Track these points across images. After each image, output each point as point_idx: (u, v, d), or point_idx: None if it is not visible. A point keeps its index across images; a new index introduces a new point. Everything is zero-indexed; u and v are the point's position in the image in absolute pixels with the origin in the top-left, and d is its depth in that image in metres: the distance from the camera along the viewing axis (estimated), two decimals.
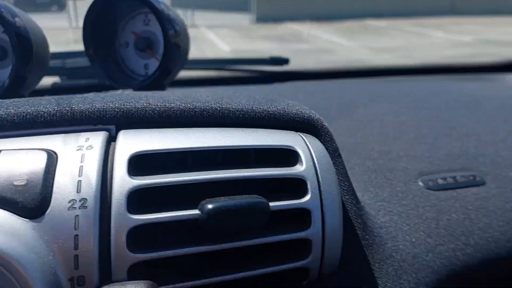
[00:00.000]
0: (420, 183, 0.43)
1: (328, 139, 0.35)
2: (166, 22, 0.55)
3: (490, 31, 8.35)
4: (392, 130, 0.52)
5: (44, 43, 0.53)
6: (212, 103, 0.33)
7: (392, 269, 0.33)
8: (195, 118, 0.32)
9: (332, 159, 0.34)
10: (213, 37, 8.33)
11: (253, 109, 0.33)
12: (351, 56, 6.47)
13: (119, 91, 0.59)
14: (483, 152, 0.48)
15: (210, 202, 0.26)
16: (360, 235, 0.33)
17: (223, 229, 0.26)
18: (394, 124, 0.54)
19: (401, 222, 0.38)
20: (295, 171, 0.30)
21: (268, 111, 0.33)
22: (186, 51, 0.61)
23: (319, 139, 0.34)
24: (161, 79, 0.58)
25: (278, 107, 0.34)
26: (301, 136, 0.32)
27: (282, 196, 0.29)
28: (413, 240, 0.37)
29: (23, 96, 0.54)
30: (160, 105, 0.31)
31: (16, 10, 0.49)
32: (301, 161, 0.30)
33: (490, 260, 0.38)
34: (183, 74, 0.90)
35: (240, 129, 0.32)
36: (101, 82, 0.63)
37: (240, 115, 0.32)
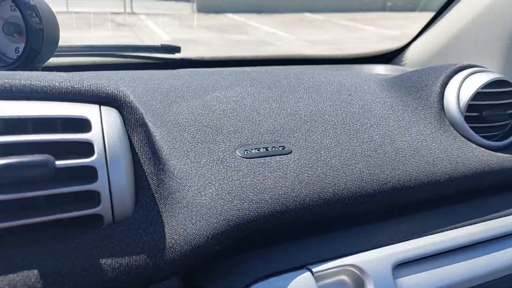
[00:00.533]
0: (238, 152, 0.52)
1: (130, 111, 0.42)
2: (26, 9, 0.60)
3: (417, 26, 8.86)
4: (230, 110, 0.60)
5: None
6: (26, 80, 0.39)
7: (182, 215, 0.41)
8: (5, 92, 0.37)
9: (132, 128, 0.41)
10: (152, 26, 8.17)
11: (59, 86, 0.39)
12: (288, 48, 6.63)
13: None
14: (298, 127, 0.58)
15: (1, 159, 0.32)
16: (154, 188, 0.41)
17: (13, 181, 0.32)
18: (235, 104, 0.62)
19: (208, 182, 0.46)
20: (83, 136, 0.37)
21: (74, 87, 0.40)
22: (52, 35, 0.66)
23: (120, 112, 0.41)
24: (30, 61, 0.63)
25: (84, 84, 0.40)
26: (100, 109, 0.39)
27: (78, 158, 0.36)
28: (214, 196, 0.45)
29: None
30: None
31: None
32: (91, 129, 0.37)
33: (279, 213, 0.47)
34: (78, 60, 0.94)
35: (48, 102, 0.38)
36: None
37: (47, 90, 0.39)
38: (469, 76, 0.65)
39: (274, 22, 9.20)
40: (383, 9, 11.55)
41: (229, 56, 1.07)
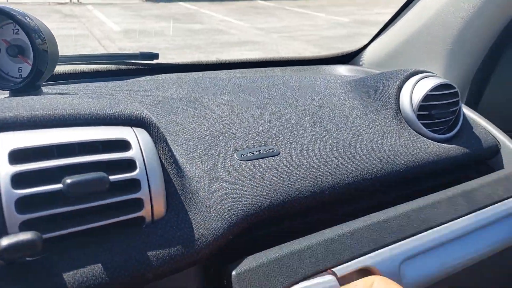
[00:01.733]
0: (236, 156, 0.61)
1: (155, 130, 0.50)
2: (32, 32, 0.66)
3: (365, 12, 9.19)
4: (222, 118, 0.69)
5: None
6: (67, 109, 0.46)
7: (203, 212, 0.51)
8: (55, 121, 0.45)
9: (158, 145, 0.50)
10: (101, 16, 7.95)
11: (98, 113, 0.47)
12: (242, 36, 6.69)
13: None
14: (283, 131, 0.68)
15: (68, 178, 0.40)
16: (180, 192, 0.50)
17: (79, 195, 0.41)
18: (226, 112, 0.71)
19: (217, 183, 0.56)
20: (127, 155, 0.45)
21: (110, 113, 0.48)
22: (54, 54, 0.72)
23: (148, 131, 0.49)
24: (35, 81, 0.69)
25: (117, 110, 0.49)
26: (133, 130, 0.48)
27: (123, 172, 0.44)
28: (224, 194, 0.55)
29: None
30: (27, 113, 0.44)
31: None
32: (132, 148, 0.46)
33: (276, 205, 0.57)
34: (61, 69, 0.99)
35: (88, 127, 0.46)
36: None
37: (88, 117, 0.47)
38: (420, 80, 0.78)
39: (226, 10, 9.21)
40: None
41: (203, 61, 1.15)
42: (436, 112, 0.76)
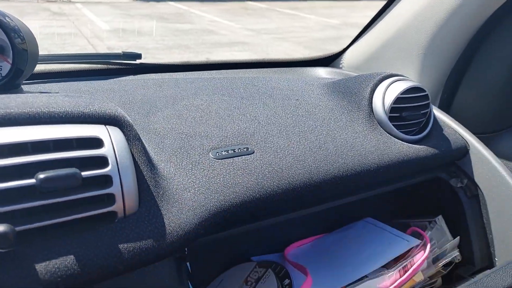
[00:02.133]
0: (211, 155, 0.63)
1: (128, 128, 0.52)
2: (11, 32, 0.67)
3: (355, 15, 9.26)
4: (199, 117, 0.71)
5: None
6: (42, 107, 0.48)
7: (175, 208, 0.52)
8: (30, 119, 0.47)
9: (131, 142, 0.52)
10: (90, 15, 7.90)
11: (72, 111, 0.49)
12: (233, 37, 6.71)
13: None
14: (258, 131, 0.70)
15: (41, 173, 0.42)
16: (152, 188, 0.52)
17: (52, 190, 0.42)
18: (203, 112, 0.73)
19: (191, 181, 0.58)
20: (99, 152, 0.47)
21: (84, 112, 0.49)
22: (34, 53, 0.73)
23: (121, 129, 0.51)
24: (15, 79, 0.70)
25: (91, 109, 0.50)
26: (106, 128, 0.50)
27: (96, 169, 0.46)
28: (197, 191, 0.57)
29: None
30: (2, 111, 0.46)
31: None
32: (104, 145, 0.48)
33: (248, 202, 0.60)
34: (43, 68, 1.00)
35: (62, 125, 0.48)
36: None
37: (63, 116, 0.48)
38: (392, 84, 0.81)
39: (217, 11, 9.22)
40: None
41: (186, 62, 1.17)
42: (407, 114, 0.79)
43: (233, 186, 0.60)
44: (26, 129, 0.46)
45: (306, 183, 0.65)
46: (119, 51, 1.11)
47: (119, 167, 0.47)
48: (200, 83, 0.88)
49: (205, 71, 1.12)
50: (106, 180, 0.47)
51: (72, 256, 0.43)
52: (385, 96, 0.79)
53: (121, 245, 0.46)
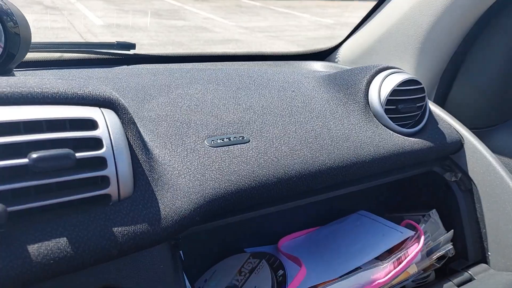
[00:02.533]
0: (206, 142, 0.63)
1: (123, 112, 0.51)
2: (3, 15, 0.66)
3: (349, 14, 9.28)
4: (194, 106, 0.70)
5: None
6: (35, 88, 0.47)
7: (170, 193, 0.52)
8: (22, 99, 0.46)
9: (126, 126, 0.51)
10: (83, 10, 7.83)
11: (66, 92, 0.48)
12: (226, 35, 6.69)
13: None
14: (254, 120, 0.69)
15: (34, 153, 0.41)
16: (147, 172, 0.51)
17: (45, 170, 0.41)
18: (198, 101, 0.72)
19: (186, 167, 0.57)
20: (94, 133, 0.46)
21: (78, 93, 0.48)
22: (26, 38, 0.71)
23: (116, 113, 0.50)
24: (6, 64, 0.68)
25: (86, 90, 0.49)
26: (101, 111, 0.49)
27: (90, 151, 0.45)
28: (192, 177, 0.56)
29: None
30: None
31: None
32: (99, 127, 0.47)
33: (243, 190, 0.59)
34: (36, 55, 0.99)
35: (56, 106, 0.47)
36: None
37: (56, 96, 0.47)
38: (388, 76, 0.80)
39: (211, 8, 9.18)
40: None
41: (181, 53, 1.16)
42: (403, 106, 0.79)
43: (228, 174, 0.59)
44: (19, 108, 0.44)
45: (302, 173, 0.64)
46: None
47: (114, 149, 0.46)
48: (194, 73, 0.87)
49: (199, 63, 1.11)
50: (100, 162, 0.46)
51: (65, 239, 0.42)
52: (381, 89, 0.79)
53: (115, 228, 0.45)
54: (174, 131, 0.63)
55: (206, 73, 0.88)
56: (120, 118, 0.50)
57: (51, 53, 1.03)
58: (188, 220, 0.51)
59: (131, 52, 1.10)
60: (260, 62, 1.15)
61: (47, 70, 0.89)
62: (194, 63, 1.10)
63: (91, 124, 0.47)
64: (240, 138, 0.65)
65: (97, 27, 6.49)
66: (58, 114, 0.45)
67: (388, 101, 0.79)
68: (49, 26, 6.09)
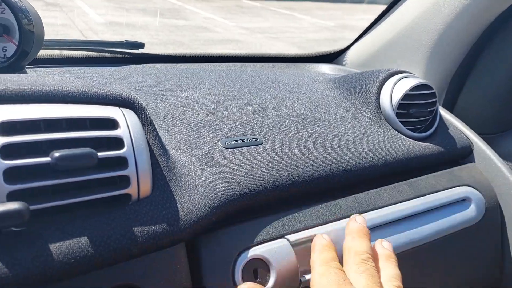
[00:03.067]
0: (220, 144, 0.63)
1: (142, 112, 0.51)
2: (19, 12, 0.65)
3: (350, 17, 9.31)
4: (207, 107, 0.70)
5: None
6: (56, 86, 0.47)
7: (188, 194, 0.51)
8: (43, 97, 0.45)
9: (145, 126, 0.51)
10: (84, 7, 7.81)
11: (86, 91, 0.48)
12: (226, 35, 6.69)
13: None
14: (266, 122, 0.69)
15: (56, 151, 0.41)
16: (166, 173, 0.51)
17: (67, 169, 0.41)
18: (211, 102, 0.72)
19: (201, 168, 0.57)
20: (115, 133, 0.46)
21: (98, 92, 0.48)
22: (40, 36, 0.71)
23: (135, 113, 0.50)
24: (20, 61, 0.68)
25: (105, 90, 0.49)
26: (121, 110, 0.48)
27: (110, 150, 0.45)
28: (208, 178, 0.56)
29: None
30: (15, 87, 0.44)
31: None
32: (119, 127, 0.46)
33: (258, 192, 0.59)
34: (45, 53, 0.98)
35: (75, 105, 0.46)
36: None
37: (76, 95, 0.47)
38: (400, 80, 0.80)
39: (212, 8, 9.18)
40: None
41: (188, 53, 1.16)
42: (414, 111, 0.79)
43: (243, 175, 0.59)
44: (39, 107, 0.44)
45: (315, 175, 0.64)
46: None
47: (135, 149, 0.46)
48: (205, 74, 0.87)
49: (207, 63, 1.11)
50: (121, 162, 0.46)
51: (86, 238, 0.42)
52: (393, 92, 0.79)
53: (135, 228, 0.45)
54: (188, 132, 0.63)
55: (216, 74, 0.88)
56: (139, 118, 0.50)
57: (61, 50, 1.03)
58: (206, 221, 0.51)
59: (139, 51, 1.11)
60: (268, 63, 1.15)
61: (58, 68, 0.89)
62: (201, 64, 1.10)
63: (111, 123, 0.47)
64: (254, 139, 0.65)
65: (97, 24, 6.48)
66: (78, 113, 0.45)
67: (400, 105, 0.79)
68: (49, 22, 6.08)
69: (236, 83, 0.83)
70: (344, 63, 1.16)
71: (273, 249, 0.56)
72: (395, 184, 0.73)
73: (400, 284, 0.53)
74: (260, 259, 0.55)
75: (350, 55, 1.15)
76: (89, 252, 0.41)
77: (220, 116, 0.69)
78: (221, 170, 0.58)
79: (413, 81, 0.79)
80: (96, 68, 0.92)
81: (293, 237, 0.59)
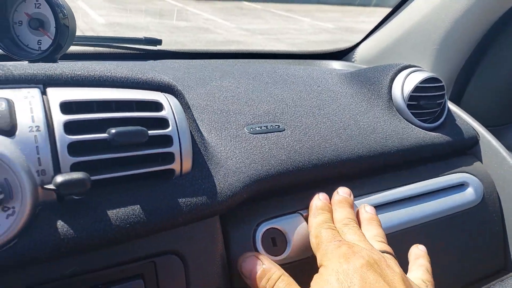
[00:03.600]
0: (246, 130, 0.67)
1: (181, 97, 0.56)
2: (55, 6, 0.70)
3: (350, 20, 9.37)
4: (230, 97, 0.75)
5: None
6: (105, 72, 0.51)
7: (222, 172, 0.56)
8: (94, 82, 0.50)
9: (184, 109, 0.55)
10: (85, 7, 7.85)
11: (132, 77, 0.52)
12: (228, 36, 6.74)
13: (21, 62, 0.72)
14: (287, 111, 0.74)
15: (113, 128, 0.45)
16: (203, 152, 0.55)
17: (122, 144, 0.46)
18: (233, 92, 0.77)
19: (231, 151, 0.61)
20: (161, 114, 0.50)
21: (142, 78, 0.53)
22: (73, 30, 0.76)
23: (175, 97, 0.55)
24: (54, 54, 0.72)
25: (148, 76, 0.54)
26: (164, 95, 0.53)
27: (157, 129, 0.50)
28: (238, 160, 0.60)
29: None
30: (70, 72, 0.49)
31: None
32: (164, 109, 0.51)
33: (282, 173, 0.63)
34: (72, 48, 1.02)
35: (123, 89, 0.51)
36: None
37: (124, 80, 0.51)
38: (411, 73, 0.85)
39: (212, 9, 9.24)
40: (318, 1, 12.01)
41: (204, 49, 1.20)
42: (424, 102, 0.84)
43: (268, 158, 0.63)
44: (91, 90, 0.49)
45: (333, 160, 0.69)
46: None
47: (178, 129, 0.51)
48: (224, 68, 0.92)
49: (221, 60, 1.16)
50: (167, 140, 0.50)
51: (138, 206, 0.46)
52: (404, 85, 0.84)
53: (180, 199, 0.49)
54: (216, 119, 0.67)
55: (235, 68, 0.92)
56: (180, 103, 0.55)
57: (82, 46, 1.07)
58: (238, 196, 0.55)
59: (157, 47, 1.15)
60: (279, 60, 1.19)
61: (83, 62, 0.93)
62: (215, 60, 1.15)
63: (155, 106, 0.51)
64: (276, 126, 0.70)
65: (98, 25, 6.52)
66: (126, 96, 0.49)
67: (411, 97, 0.83)
68: None
69: (255, 76, 0.87)
70: (353, 60, 1.21)
71: (289, 222, 0.63)
72: (397, 171, 0.79)
73: (384, 241, 0.59)
74: (278, 229, 0.62)
75: (359, 52, 1.19)
76: (142, 219, 0.46)
77: (243, 105, 0.73)
78: (249, 153, 0.62)
79: (424, 75, 0.84)
80: (120, 62, 0.96)
81: (306, 212, 0.66)
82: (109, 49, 1.09)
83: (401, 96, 0.83)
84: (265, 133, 0.68)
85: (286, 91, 0.82)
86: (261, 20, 8.49)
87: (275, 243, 0.61)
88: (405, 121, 0.83)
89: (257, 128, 0.68)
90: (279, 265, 0.57)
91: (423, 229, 0.75)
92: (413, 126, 0.82)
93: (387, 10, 1.16)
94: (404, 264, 0.66)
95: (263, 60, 1.20)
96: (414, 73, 0.85)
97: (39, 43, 0.75)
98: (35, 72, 0.46)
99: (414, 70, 0.86)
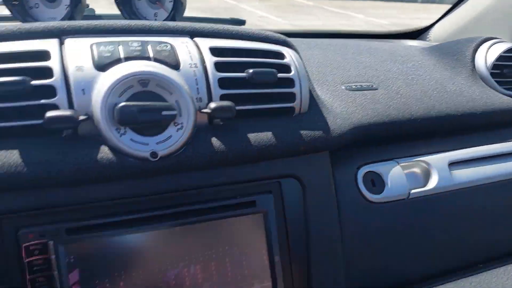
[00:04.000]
0: (343, 87, 0.74)
1: (297, 51, 0.64)
2: None
3: (404, 16, 9.17)
4: (322, 62, 0.82)
5: None
6: (245, 29, 0.62)
7: (332, 115, 0.64)
8: (229, 34, 0.60)
9: (301, 60, 0.64)
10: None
11: (260, 32, 0.62)
12: None
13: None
14: (377, 75, 0.80)
15: (251, 69, 0.55)
16: (316, 99, 0.64)
17: (258, 82, 0.56)
18: (324, 59, 0.84)
19: (332, 101, 0.69)
20: (286, 61, 0.60)
21: (268, 34, 0.62)
22: (184, 6, 0.86)
23: (293, 50, 0.63)
24: None
25: (269, 33, 0.63)
26: (284, 48, 0.62)
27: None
28: (342, 109, 0.68)
29: None
30: (210, 27, 0.59)
31: None
32: (286, 57, 0.60)
33: (379, 123, 0.70)
34: None
35: (253, 42, 0.61)
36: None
37: (255, 35, 0.61)
38: (494, 44, 0.89)
39: (265, 7, 9.36)
40: None
41: (282, 29, 1.29)
42: (508, 71, 0.87)
43: (367, 110, 0.70)
44: (227, 40, 0.58)
45: (426, 116, 0.74)
46: None
47: (299, 74, 0.59)
48: (307, 42, 0.99)
49: (298, 38, 1.23)
50: (289, 83, 0.59)
51: (270, 133, 0.55)
52: (487, 55, 0.88)
53: (301, 131, 0.58)
54: (315, 77, 0.75)
55: (317, 43, 1.00)
56: (298, 54, 0.63)
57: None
58: (346, 136, 0.63)
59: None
60: (355, 39, 1.25)
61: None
62: (294, 38, 1.23)
63: (278, 55, 0.60)
64: (370, 85, 0.77)
65: None
66: (259, 46, 0.59)
67: (494, 66, 0.87)
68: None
69: (340, 48, 0.94)
70: (428, 39, 1.25)
71: (386, 167, 0.71)
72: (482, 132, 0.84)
73: None
74: (376, 172, 0.70)
75: (434, 32, 1.23)
76: (273, 143, 0.55)
77: (335, 68, 0.81)
78: (349, 105, 0.70)
79: (508, 45, 0.87)
80: None
81: (401, 160, 0.73)
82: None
83: (485, 65, 0.87)
84: (360, 90, 0.75)
85: (372, 60, 0.88)
86: (313, 17, 8.51)
87: (374, 184, 0.68)
88: (490, 88, 0.86)
89: (353, 86, 0.75)
90: (377, 204, 0.65)
91: (503, 186, 0.79)
92: (497, 93, 0.86)
93: (447, 7, 1.19)
94: (477, 220, 0.74)
95: (340, 39, 1.26)
96: (497, 44, 0.89)
97: (155, 16, 0.86)
98: (184, 25, 0.57)
99: (497, 42, 0.89)
